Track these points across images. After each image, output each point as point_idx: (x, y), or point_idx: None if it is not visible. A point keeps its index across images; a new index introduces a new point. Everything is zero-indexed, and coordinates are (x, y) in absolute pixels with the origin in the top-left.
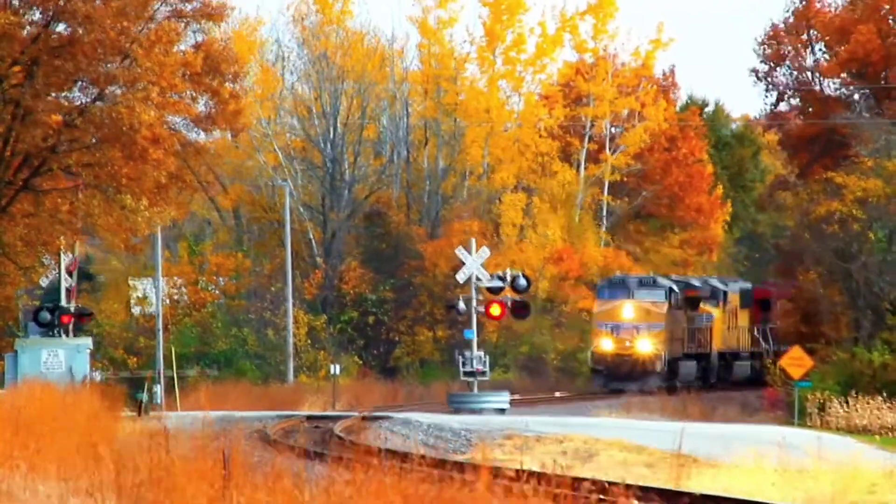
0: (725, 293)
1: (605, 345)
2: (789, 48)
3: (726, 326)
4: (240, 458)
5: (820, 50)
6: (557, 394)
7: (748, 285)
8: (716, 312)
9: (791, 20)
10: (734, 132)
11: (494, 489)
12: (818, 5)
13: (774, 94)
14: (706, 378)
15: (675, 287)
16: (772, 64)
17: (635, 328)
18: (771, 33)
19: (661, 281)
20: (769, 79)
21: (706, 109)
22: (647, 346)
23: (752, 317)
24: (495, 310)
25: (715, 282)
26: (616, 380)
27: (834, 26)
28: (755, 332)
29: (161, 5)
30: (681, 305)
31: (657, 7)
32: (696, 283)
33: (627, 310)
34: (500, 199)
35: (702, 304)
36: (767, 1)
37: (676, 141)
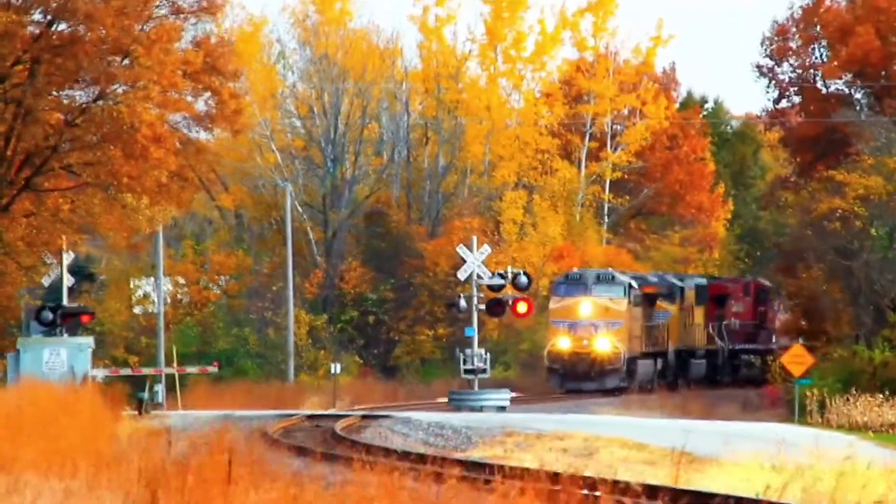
0: (682, 289)
1: (562, 343)
2: (795, 44)
3: (683, 324)
4: (241, 457)
5: (823, 48)
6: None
7: (703, 281)
8: (672, 309)
9: (800, 15)
10: (735, 129)
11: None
12: (828, 2)
13: (777, 90)
14: (663, 377)
15: (633, 283)
16: (776, 59)
17: (593, 326)
18: (779, 28)
19: (620, 277)
20: (772, 74)
21: (706, 106)
22: (605, 344)
23: (707, 314)
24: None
25: (671, 278)
26: (573, 379)
27: (835, 26)
28: (710, 330)
29: (161, 2)
30: (639, 302)
31: (657, 4)
32: (653, 279)
33: (585, 307)
34: (500, 196)
35: (658, 301)
36: None
37: (678, 139)
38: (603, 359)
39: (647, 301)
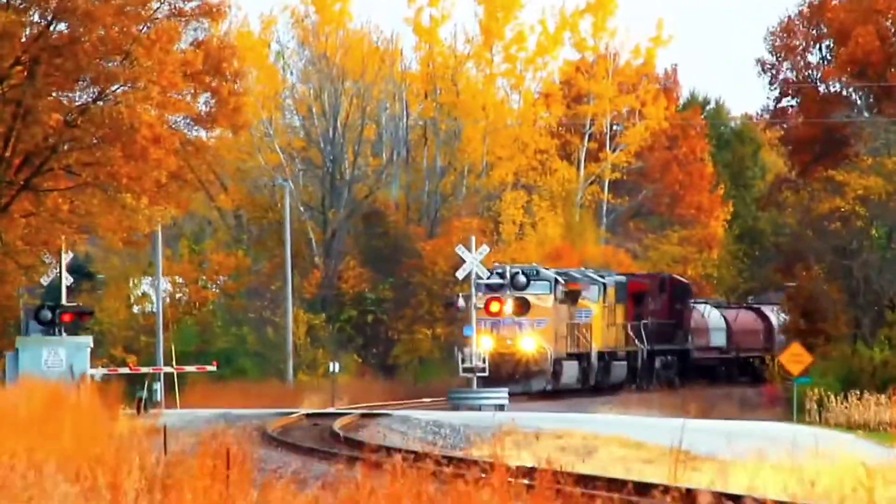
0: (605, 286)
1: (484, 343)
2: (799, 41)
3: (605, 323)
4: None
5: (827, 47)
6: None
7: (623, 278)
8: (595, 308)
9: (806, 12)
10: (734, 130)
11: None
12: (835, 2)
13: (778, 88)
14: (586, 380)
15: (559, 279)
16: (780, 56)
17: (517, 324)
18: (784, 24)
19: (545, 272)
20: (774, 71)
21: (707, 108)
22: (530, 344)
23: (626, 312)
24: (494, 306)
25: (592, 274)
26: (496, 382)
27: (835, 27)
28: (629, 330)
29: (161, 4)
30: (564, 300)
31: (657, 4)
32: (576, 274)
33: (509, 304)
34: (499, 197)
35: (581, 299)
36: None
37: (677, 139)
38: (528, 359)
39: (571, 299)
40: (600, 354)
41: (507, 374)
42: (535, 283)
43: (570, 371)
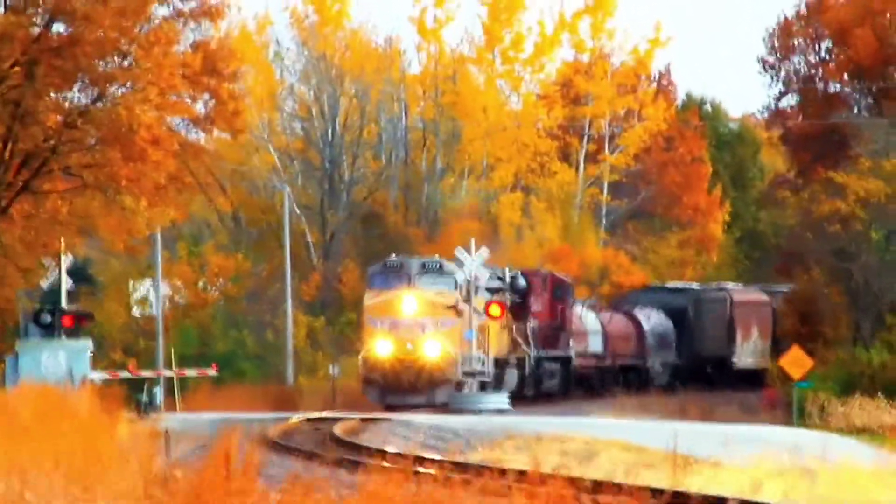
0: (504, 281)
1: (381, 348)
2: (798, 41)
3: (500, 325)
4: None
5: (826, 48)
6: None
7: (509, 272)
8: (492, 308)
9: (803, 12)
10: (733, 131)
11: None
12: (832, 1)
13: (778, 87)
14: (482, 391)
15: (466, 273)
16: (780, 56)
17: (420, 326)
18: (783, 24)
19: (449, 266)
20: (775, 70)
21: (704, 108)
22: (435, 348)
23: (514, 313)
24: (495, 310)
25: (489, 267)
26: (396, 392)
27: (834, 27)
28: (515, 333)
29: (160, 5)
30: (468, 298)
31: (655, 5)
32: (492, 268)
33: (409, 302)
34: (497, 198)
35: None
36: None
37: (674, 140)
38: (433, 367)
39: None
40: (496, 361)
41: (408, 383)
42: (440, 278)
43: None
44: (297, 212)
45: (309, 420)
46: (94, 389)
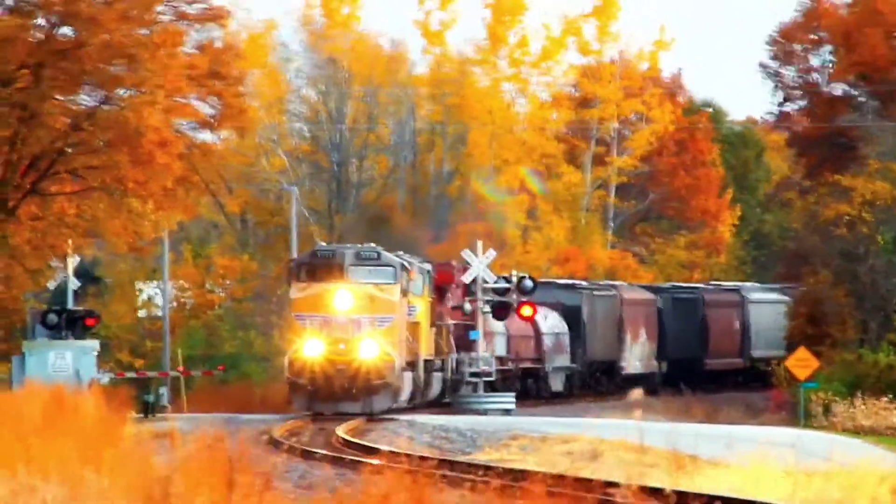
0: (429, 275)
1: (311, 348)
2: (798, 47)
3: (428, 323)
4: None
5: (829, 52)
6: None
7: (428, 265)
8: (421, 303)
9: (800, 19)
10: (738, 133)
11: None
12: (827, 5)
13: (782, 92)
14: (414, 398)
15: (405, 264)
16: (780, 62)
17: (354, 323)
18: (782, 31)
19: (387, 255)
20: (777, 76)
21: (709, 110)
22: (372, 349)
23: (432, 309)
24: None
25: (408, 258)
26: (328, 398)
27: (840, 30)
28: (435, 332)
29: (165, 7)
30: (406, 292)
31: (660, 8)
32: (414, 259)
33: (342, 297)
34: (504, 201)
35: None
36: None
37: (685, 143)
38: (370, 370)
39: (403, 292)
40: (425, 363)
41: (341, 388)
42: (377, 268)
43: (408, 386)
44: (305, 214)
45: (314, 420)
46: (100, 390)
